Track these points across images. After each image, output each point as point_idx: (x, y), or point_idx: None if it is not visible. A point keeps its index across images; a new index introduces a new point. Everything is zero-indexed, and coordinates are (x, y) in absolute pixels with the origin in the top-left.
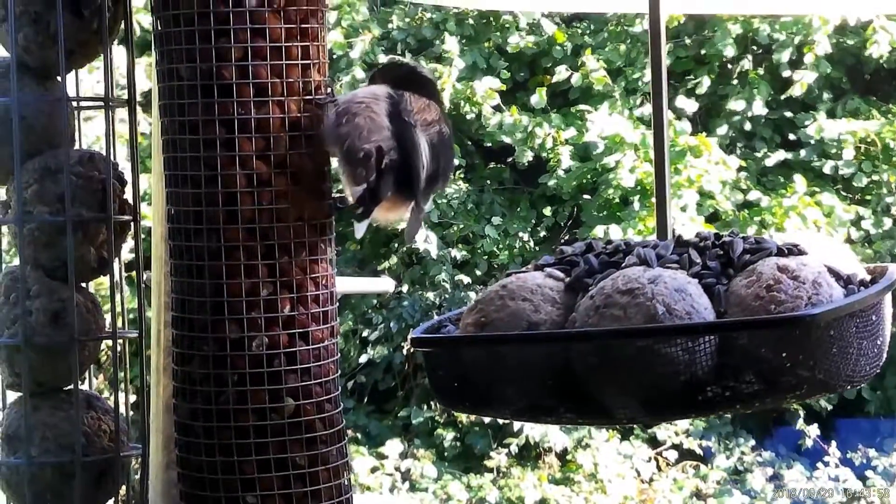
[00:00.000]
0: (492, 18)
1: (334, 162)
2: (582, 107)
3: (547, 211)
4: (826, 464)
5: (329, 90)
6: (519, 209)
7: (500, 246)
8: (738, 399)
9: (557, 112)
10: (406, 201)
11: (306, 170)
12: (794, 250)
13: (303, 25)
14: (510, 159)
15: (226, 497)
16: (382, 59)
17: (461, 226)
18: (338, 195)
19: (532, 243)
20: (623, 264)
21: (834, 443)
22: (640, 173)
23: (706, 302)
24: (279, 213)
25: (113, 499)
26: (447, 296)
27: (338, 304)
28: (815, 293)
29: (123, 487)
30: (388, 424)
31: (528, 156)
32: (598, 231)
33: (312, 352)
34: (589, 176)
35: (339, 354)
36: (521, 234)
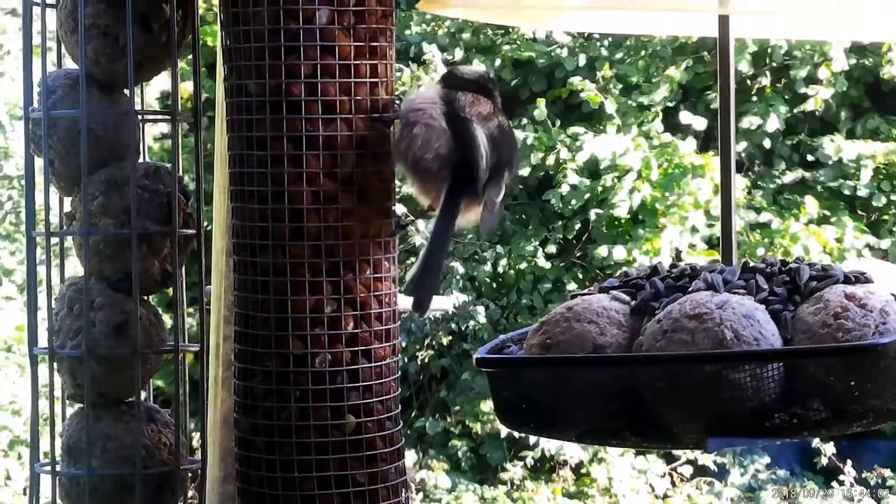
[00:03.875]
0: (509, 29)
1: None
2: (575, 129)
3: (557, 227)
4: (841, 483)
5: (396, 109)
6: (529, 226)
7: (509, 262)
8: (805, 426)
9: (562, 128)
10: (477, 198)
11: (372, 187)
12: (860, 278)
13: (371, 44)
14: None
15: None
16: None
17: (471, 240)
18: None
19: (543, 259)
20: (690, 289)
21: (849, 462)
22: (641, 197)
23: (773, 328)
24: (345, 231)
25: None
26: (457, 311)
27: (400, 321)
28: (882, 322)
29: (181, 501)
30: (403, 434)
31: (528, 171)
32: (603, 251)
33: (374, 369)
34: (598, 192)
35: (400, 372)
36: (529, 249)
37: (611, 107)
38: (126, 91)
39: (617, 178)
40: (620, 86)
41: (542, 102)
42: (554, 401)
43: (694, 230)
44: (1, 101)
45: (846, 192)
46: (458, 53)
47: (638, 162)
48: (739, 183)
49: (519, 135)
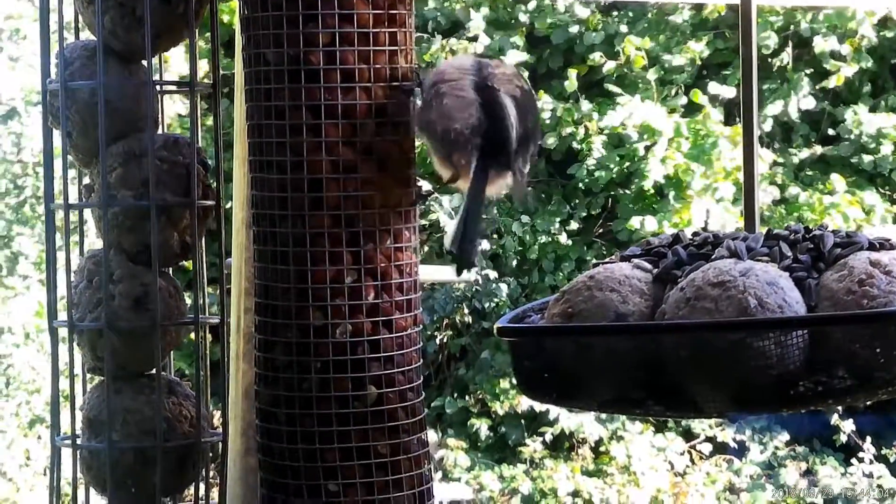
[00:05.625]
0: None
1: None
2: (614, 88)
3: (580, 203)
4: (861, 460)
5: (416, 77)
6: (552, 203)
7: (529, 239)
8: (830, 394)
9: (590, 100)
10: (504, 170)
11: (392, 156)
12: (885, 245)
13: (390, 11)
14: (543, 149)
15: (307, 485)
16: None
17: (496, 216)
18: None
19: (564, 236)
20: (712, 256)
21: (869, 438)
22: (672, 165)
23: (797, 296)
24: (365, 200)
25: (193, 484)
26: (478, 288)
27: (421, 292)
28: None
29: (202, 473)
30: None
31: (556, 142)
32: (635, 223)
33: (395, 340)
34: (624, 166)
35: (421, 343)
36: (551, 228)
37: (652, 77)
38: (144, 62)
39: (647, 147)
40: (641, 54)
41: (573, 73)
42: (576, 370)
43: (720, 200)
44: (18, 86)
45: (867, 167)
46: (479, 28)
47: (670, 129)
48: (767, 157)
49: (541, 106)
